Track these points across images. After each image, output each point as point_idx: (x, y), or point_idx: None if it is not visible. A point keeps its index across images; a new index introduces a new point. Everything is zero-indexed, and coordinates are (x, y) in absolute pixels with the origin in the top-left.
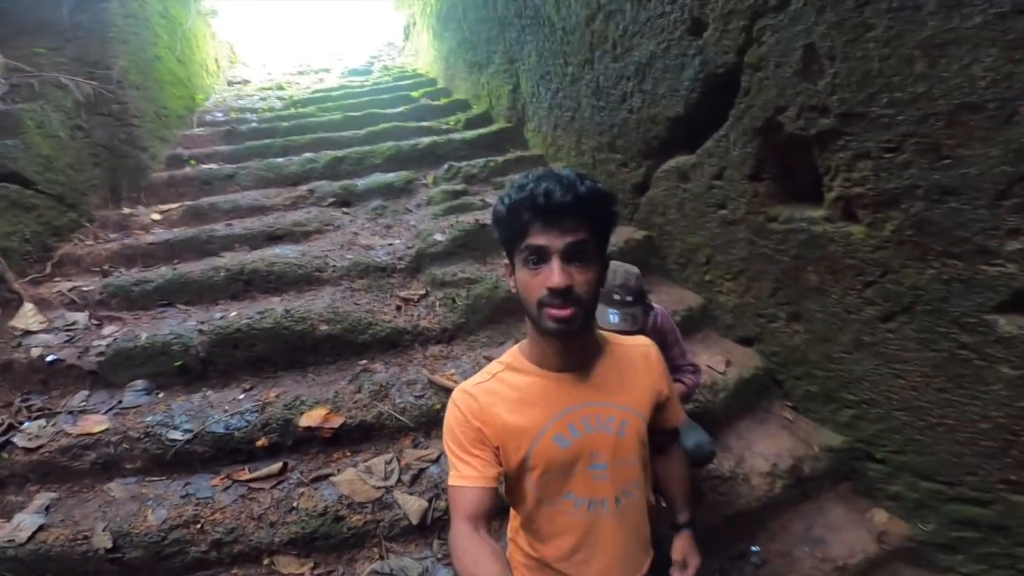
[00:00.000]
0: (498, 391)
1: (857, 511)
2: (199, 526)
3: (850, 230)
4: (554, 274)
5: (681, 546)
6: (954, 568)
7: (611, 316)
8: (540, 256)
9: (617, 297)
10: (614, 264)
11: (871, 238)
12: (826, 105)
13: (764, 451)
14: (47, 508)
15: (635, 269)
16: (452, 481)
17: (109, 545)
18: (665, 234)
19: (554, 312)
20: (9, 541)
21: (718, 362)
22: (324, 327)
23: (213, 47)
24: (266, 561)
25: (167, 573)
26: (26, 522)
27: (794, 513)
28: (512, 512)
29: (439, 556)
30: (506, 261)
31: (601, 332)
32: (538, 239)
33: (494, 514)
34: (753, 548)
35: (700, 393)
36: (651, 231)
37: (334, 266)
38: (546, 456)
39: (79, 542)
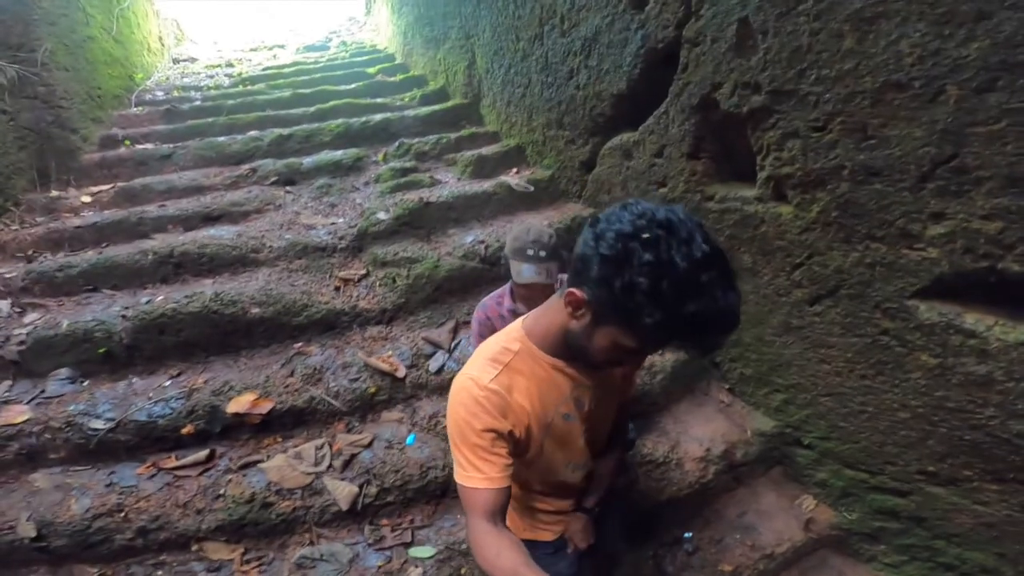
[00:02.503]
0: (515, 381)
1: (787, 497)
2: (123, 514)
3: (780, 211)
4: (637, 365)
5: (576, 526)
6: (877, 558)
7: (524, 271)
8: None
9: (531, 252)
10: (528, 223)
11: (799, 219)
12: (758, 82)
13: (699, 435)
14: None
15: (550, 228)
16: (468, 482)
17: (33, 535)
18: None
19: (610, 368)
20: None
21: None
22: (256, 310)
23: (156, 25)
24: (195, 547)
25: (96, 560)
26: None
27: (729, 499)
28: None
29: (370, 541)
30: (582, 293)
31: None
32: (656, 352)
33: (507, 509)
34: (686, 535)
35: (638, 376)
36: (598, 209)
37: (271, 247)
38: (559, 431)
39: (5, 532)
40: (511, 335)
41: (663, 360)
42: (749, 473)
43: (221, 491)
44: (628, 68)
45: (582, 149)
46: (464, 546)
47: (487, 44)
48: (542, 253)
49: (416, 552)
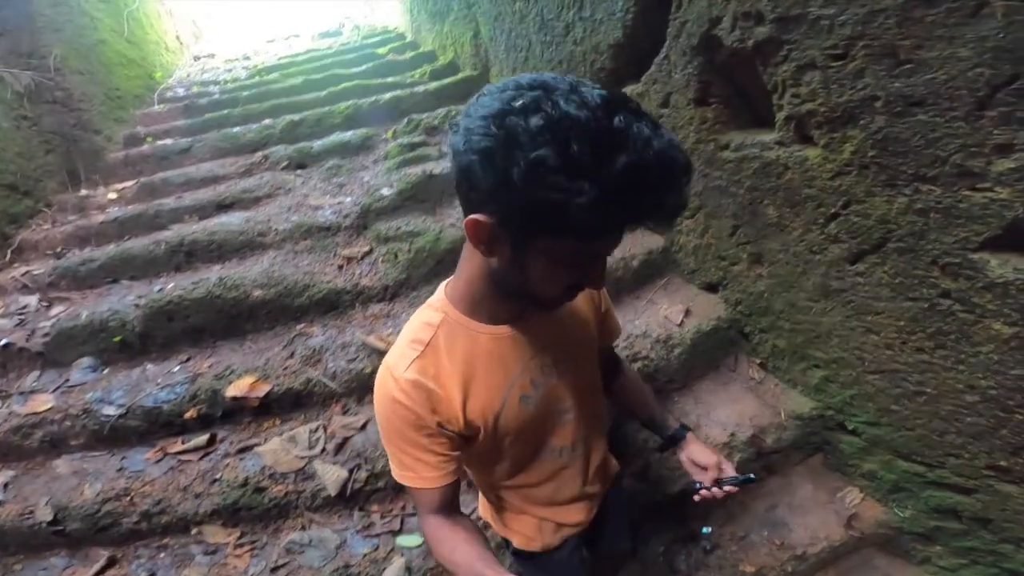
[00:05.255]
0: (441, 364)
1: (827, 490)
2: (129, 498)
3: (805, 154)
4: (599, 277)
5: (700, 449)
6: (931, 560)
7: None
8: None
9: None
10: None
11: (829, 162)
12: (759, 11)
13: (723, 418)
14: (5, 485)
15: None
16: (410, 483)
17: (50, 518)
18: None
19: (568, 299)
20: None
21: (676, 312)
22: (258, 292)
23: (172, 24)
24: (194, 531)
25: (107, 543)
26: None
27: (757, 490)
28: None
29: (359, 528)
30: (484, 217)
31: None
32: (611, 246)
33: (459, 496)
34: (704, 530)
35: (653, 349)
36: None
37: (276, 229)
38: (517, 421)
39: (26, 516)
40: (433, 304)
41: (682, 333)
42: (783, 461)
43: (218, 475)
44: (621, 14)
45: None
46: None
47: (487, 11)
48: None
49: (403, 541)
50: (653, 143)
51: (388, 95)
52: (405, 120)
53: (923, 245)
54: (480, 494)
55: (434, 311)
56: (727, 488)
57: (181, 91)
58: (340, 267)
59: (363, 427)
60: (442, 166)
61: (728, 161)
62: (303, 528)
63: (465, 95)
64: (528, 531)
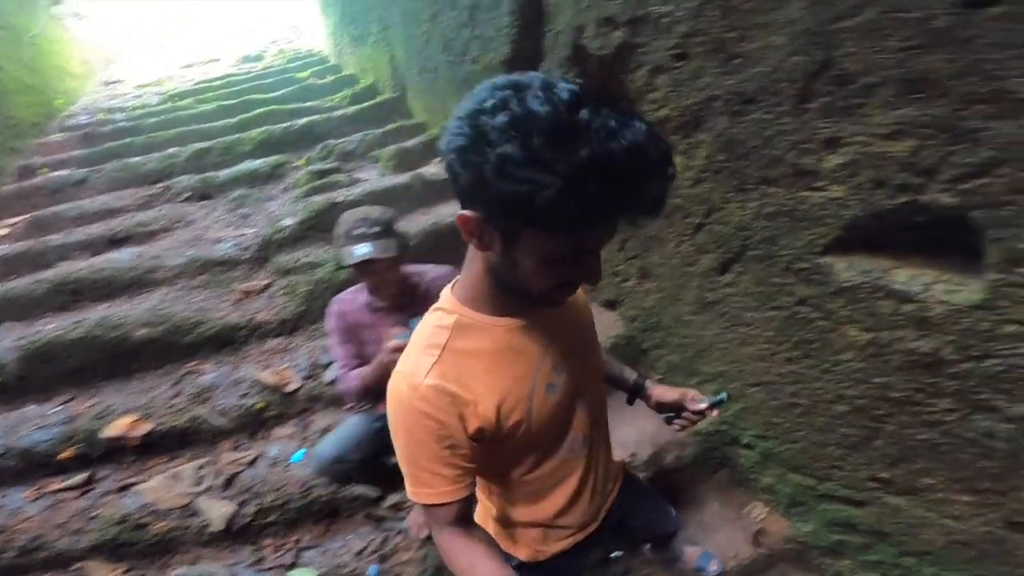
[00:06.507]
0: (463, 365)
1: (734, 506)
2: (5, 535)
3: None
4: (593, 273)
5: (664, 391)
6: (843, 574)
7: (357, 250)
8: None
9: (360, 231)
10: (355, 210)
11: (689, 169)
12: (613, 15)
13: (624, 438)
14: None
15: (383, 208)
16: (427, 500)
17: None
18: None
19: (565, 295)
20: None
21: None
22: (143, 331)
23: (78, 49)
24: (76, 566)
25: None
26: None
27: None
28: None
29: (250, 562)
30: (471, 213)
31: None
32: (598, 241)
33: (472, 509)
34: (613, 554)
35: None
36: None
37: (169, 265)
38: (546, 410)
39: None
40: (442, 307)
41: None
42: (689, 478)
43: (96, 512)
44: (508, 30)
45: None
46: (346, 570)
47: (400, 33)
48: (375, 229)
49: (296, 574)
50: (621, 135)
51: (304, 120)
52: (320, 146)
53: (776, 251)
54: (479, 509)
55: (445, 313)
56: (702, 408)
57: (84, 118)
58: (237, 302)
59: (253, 462)
60: (347, 194)
61: None
62: (192, 563)
63: (383, 119)
64: (535, 543)
